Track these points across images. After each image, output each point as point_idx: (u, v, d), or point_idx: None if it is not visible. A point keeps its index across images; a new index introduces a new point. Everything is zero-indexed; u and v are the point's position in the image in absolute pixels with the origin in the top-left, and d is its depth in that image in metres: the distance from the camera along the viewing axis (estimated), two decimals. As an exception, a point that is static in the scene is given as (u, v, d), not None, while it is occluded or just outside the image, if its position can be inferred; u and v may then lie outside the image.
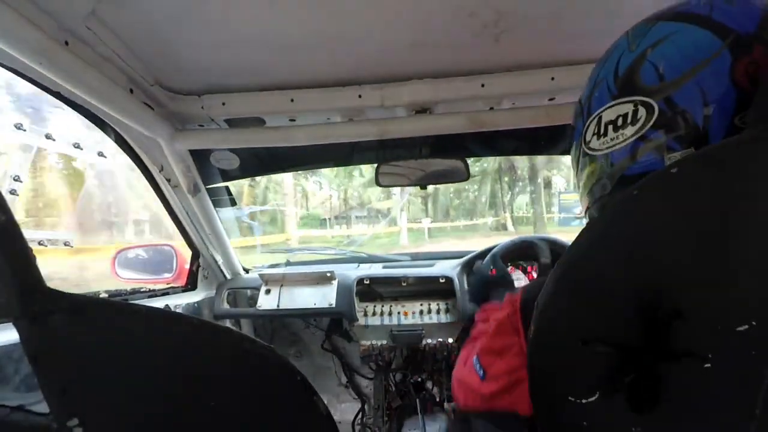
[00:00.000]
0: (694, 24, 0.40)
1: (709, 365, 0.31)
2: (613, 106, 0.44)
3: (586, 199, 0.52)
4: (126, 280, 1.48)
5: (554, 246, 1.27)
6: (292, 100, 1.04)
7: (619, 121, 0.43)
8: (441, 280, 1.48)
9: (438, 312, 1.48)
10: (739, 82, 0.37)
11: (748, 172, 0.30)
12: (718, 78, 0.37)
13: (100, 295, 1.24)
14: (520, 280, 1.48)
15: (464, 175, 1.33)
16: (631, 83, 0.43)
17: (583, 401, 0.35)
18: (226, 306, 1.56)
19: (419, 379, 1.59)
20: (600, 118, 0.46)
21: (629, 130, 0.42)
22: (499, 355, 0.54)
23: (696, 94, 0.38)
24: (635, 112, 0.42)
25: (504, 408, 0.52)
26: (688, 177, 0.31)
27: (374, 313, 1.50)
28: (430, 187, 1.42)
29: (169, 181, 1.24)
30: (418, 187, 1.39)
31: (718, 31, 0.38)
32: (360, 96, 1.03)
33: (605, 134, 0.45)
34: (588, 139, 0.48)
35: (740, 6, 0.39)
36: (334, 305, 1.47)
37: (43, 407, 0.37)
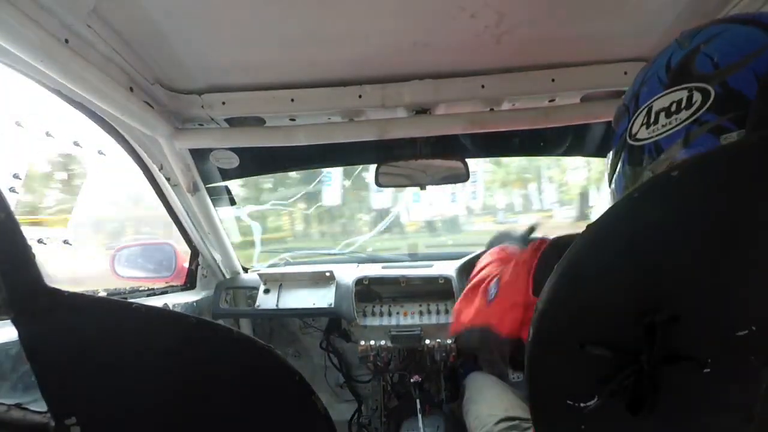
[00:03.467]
0: (742, 24, 0.43)
1: (708, 369, 0.31)
2: (666, 94, 0.45)
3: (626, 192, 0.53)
4: (125, 278, 1.48)
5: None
6: (292, 100, 1.04)
7: (673, 108, 0.44)
8: (440, 281, 1.48)
9: (437, 313, 1.48)
10: None
11: (747, 177, 0.30)
12: None
13: (99, 294, 1.24)
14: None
15: (464, 176, 1.33)
16: (686, 72, 0.44)
17: (582, 405, 0.35)
18: (225, 305, 1.56)
19: (418, 380, 1.59)
20: (650, 108, 0.47)
21: (683, 114, 0.43)
22: (511, 285, 0.64)
23: (751, 79, 0.40)
24: (690, 97, 0.43)
25: (493, 325, 0.65)
26: (689, 181, 0.31)
27: (373, 314, 1.50)
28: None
29: (168, 179, 1.24)
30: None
31: (765, 28, 0.41)
32: (360, 96, 1.03)
33: (656, 122, 0.46)
34: (635, 131, 0.49)
35: None
36: (333, 305, 1.47)
37: (41, 405, 0.37)
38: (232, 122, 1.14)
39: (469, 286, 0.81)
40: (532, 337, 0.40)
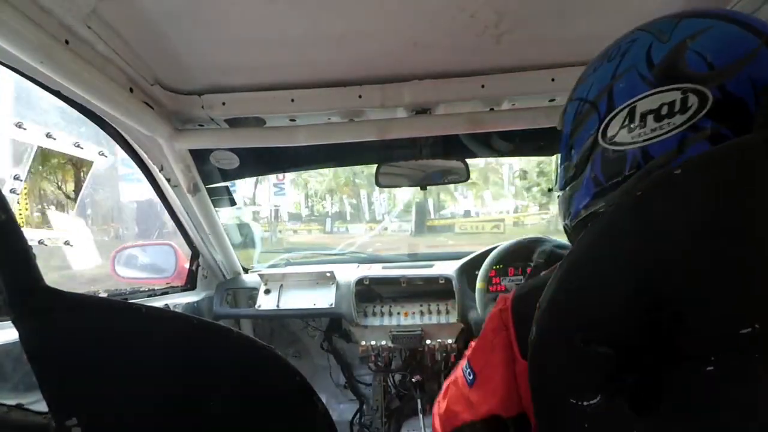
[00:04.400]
0: (726, 21, 0.40)
1: (711, 367, 0.31)
2: (654, 94, 0.41)
3: (594, 200, 0.48)
4: (125, 279, 1.48)
5: (551, 247, 1.28)
6: (292, 100, 1.04)
7: (664, 110, 0.40)
8: (440, 281, 1.48)
9: (437, 313, 1.48)
10: None
11: (752, 175, 0.30)
12: (763, 71, 0.38)
13: (100, 294, 1.24)
14: (519, 280, 1.49)
15: (464, 176, 1.33)
16: (675, 71, 0.40)
17: (585, 403, 0.35)
18: (225, 306, 1.56)
19: (419, 380, 1.59)
20: (633, 109, 0.42)
21: (677, 119, 0.40)
22: (491, 351, 0.53)
23: (748, 85, 0.38)
24: (684, 99, 0.39)
25: (490, 413, 0.51)
26: (693, 179, 0.31)
27: (374, 314, 1.50)
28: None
29: (169, 180, 1.24)
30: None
31: (751, 30, 0.39)
32: (360, 96, 1.03)
33: (642, 125, 0.42)
34: (612, 133, 0.44)
35: (756, 17, 0.41)
36: (333, 305, 1.47)
37: (41, 406, 0.37)
38: (232, 123, 1.14)
39: (441, 392, 0.64)
40: (534, 336, 0.40)
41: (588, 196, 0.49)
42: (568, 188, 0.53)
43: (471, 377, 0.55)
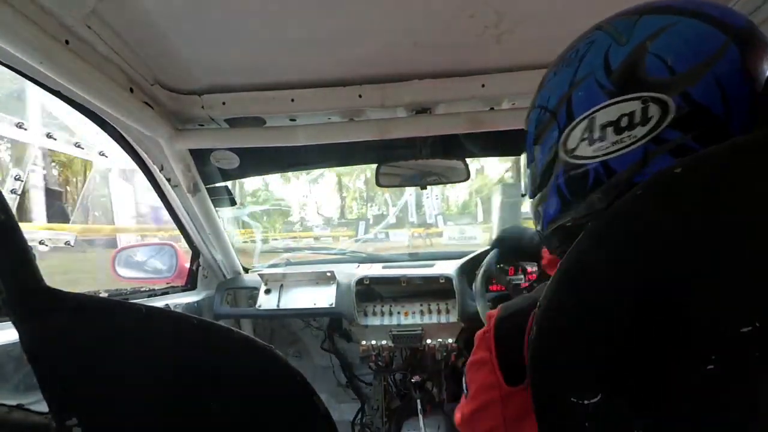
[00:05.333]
0: (689, 17, 0.37)
1: (712, 366, 0.31)
2: (612, 104, 0.38)
3: (561, 215, 0.46)
4: (126, 279, 1.48)
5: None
6: (292, 100, 1.04)
7: (624, 122, 0.38)
8: (441, 281, 1.48)
9: (438, 312, 1.48)
10: (750, 75, 0.35)
11: (752, 174, 0.30)
12: (732, 71, 0.35)
13: (100, 295, 1.24)
14: (520, 280, 1.49)
15: (464, 176, 1.33)
16: (634, 78, 0.37)
17: (585, 402, 0.35)
18: (225, 306, 1.56)
19: (419, 380, 1.59)
20: (592, 120, 0.40)
21: (639, 131, 0.37)
22: (477, 370, 0.50)
23: (714, 89, 0.35)
24: (645, 109, 0.37)
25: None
26: (693, 178, 0.31)
27: (374, 313, 1.50)
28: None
29: (169, 180, 1.24)
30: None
31: (719, 25, 0.36)
32: (360, 96, 1.03)
33: (602, 138, 0.39)
34: (573, 146, 0.42)
35: (724, 5, 0.38)
36: (333, 305, 1.47)
37: (42, 406, 0.37)
38: (233, 122, 1.14)
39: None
40: (535, 335, 0.40)
41: (554, 207, 0.46)
42: (536, 197, 0.51)
43: (465, 391, 0.53)
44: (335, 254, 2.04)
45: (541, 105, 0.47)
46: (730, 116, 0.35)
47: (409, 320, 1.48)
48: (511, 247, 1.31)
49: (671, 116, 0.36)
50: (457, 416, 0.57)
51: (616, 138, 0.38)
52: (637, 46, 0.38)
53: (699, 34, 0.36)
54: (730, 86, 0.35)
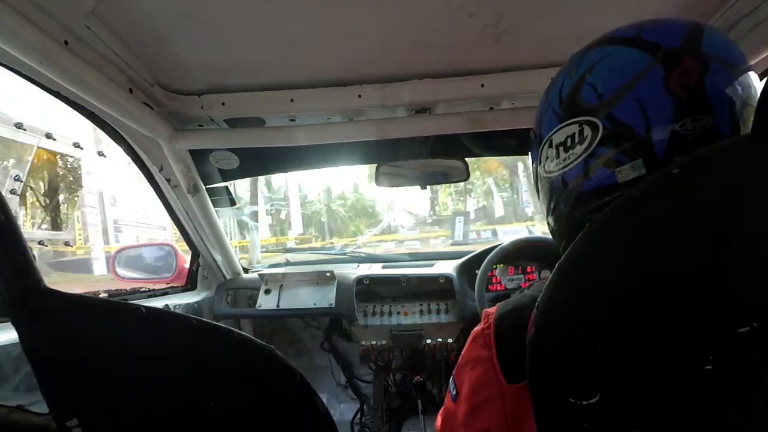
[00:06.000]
0: (624, 45, 0.43)
1: (710, 366, 0.31)
2: (561, 128, 0.46)
3: (550, 216, 0.54)
4: (125, 280, 1.48)
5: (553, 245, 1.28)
6: (292, 100, 1.04)
7: (568, 142, 0.45)
8: (441, 280, 1.48)
9: (438, 312, 1.48)
10: (674, 92, 0.39)
11: (749, 173, 0.30)
12: (653, 90, 0.40)
13: (100, 295, 1.25)
14: (520, 280, 1.49)
15: (464, 175, 1.33)
16: (574, 105, 0.45)
17: (584, 402, 0.35)
18: (225, 306, 1.56)
19: (419, 380, 1.59)
20: (551, 142, 0.48)
21: (578, 149, 0.44)
22: (471, 369, 0.50)
23: (635, 108, 0.40)
24: (581, 131, 0.44)
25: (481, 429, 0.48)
26: (690, 178, 0.31)
27: (374, 313, 1.50)
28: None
29: (168, 181, 1.24)
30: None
31: (647, 48, 0.41)
32: (360, 96, 1.03)
33: (558, 156, 0.47)
34: (543, 163, 0.51)
35: (665, 25, 0.43)
36: (333, 305, 1.47)
37: (42, 407, 0.37)
38: (232, 123, 1.14)
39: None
40: (533, 335, 0.40)
41: (545, 209, 0.54)
42: (543, 207, 0.57)
43: (454, 392, 0.53)
44: (335, 254, 2.04)
45: (532, 129, 0.55)
46: (651, 131, 0.40)
47: (409, 320, 1.48)
48: (508, 249, 1.32)
49: (600, 135, 0.42)
50: (440, 421, 0.56)
51: (565, 155, 0.46)
52: (579, 78, 0.45)
53: (626, 60, 0.42)
54: (651, 104, 0.40)
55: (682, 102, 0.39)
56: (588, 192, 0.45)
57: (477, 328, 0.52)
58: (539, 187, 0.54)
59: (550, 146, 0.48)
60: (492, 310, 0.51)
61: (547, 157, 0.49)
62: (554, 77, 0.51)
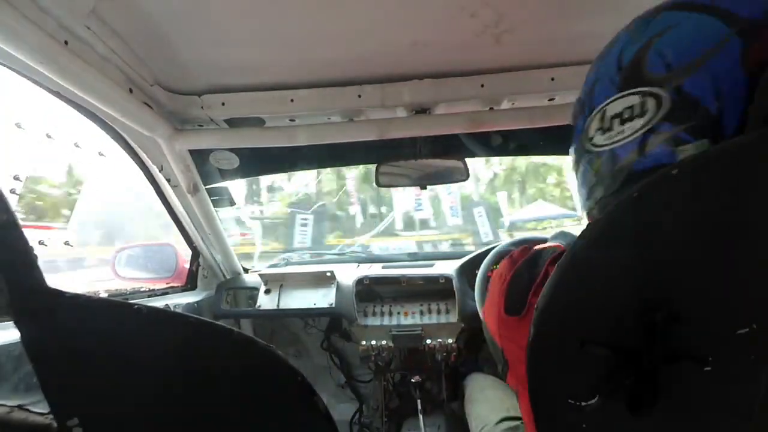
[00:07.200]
0: (699, 12, 0.38)
1: (709, 368, 0.31)
2: (618, 98, 0.42)
3: (588, 200, 0.50)
4: (126, 279, 1.48)
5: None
6: (292, 100, 1.04)
7: (626, 114, 0.41)
8: (441, 281, 1.48)
9: (438, 312, 1.48)
10: (750, 69, 0.35)
11: (749, 174, 0.30)
12: (729, 65, 0.36)
13: (100, 295, 1.24)
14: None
15: (464, 175, 1.33)
16: (637, 74, 0.41)
17: (583, 404, 0.35)
18: (225, 306, 1.56)
19: (419, 380, 1.59)
20: (604, 112, 0.44)
21: (637, 123, 0.40)
22: (491, 299, 0.58)
23: (707, 83, 0.36)
24: (643, 103, 0.40)
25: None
26: (689, 179, 0.31)
27: (374, 314, 1.50)
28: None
29: (168, 180, 1.24)
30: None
31: (725, 17, 0.37)
32: (360, 96, 1.03)
33: (611, 128, 0.43)
34: (591, 135, 0.46)
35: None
36: (333, 305, 1.47)
37: (43, 406, 0.37)
38: (232, 123, 1.14)
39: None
40: (532, 336, 0.40)
41: (584, 193, 0.51)
42: (579, 184, 0.55)
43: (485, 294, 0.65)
44: (335, 254, 2.04)
45: (578, 96, 0.51)
46: (723, 110, 0.36)
47: (409, 320, 1.48)
48: (508, 248, 1.31)
49: (664, 109, 0.38)
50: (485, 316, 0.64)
51: (621, 128, 0.42)
52: (644, 44, 0.41)
53: (701, 29, 0.37)
54: (726, 80, 0.36)
55: (757, 80, 0.34)
56: (641, 172, 0.41)
57: (505, 260, 0.58)
58: (579, 164, 0.50)
59: (602, 118, 0.44)
60: (523, 252, 0.57)
61: (598, 129, 0.45)
62: (611, 41, 0.46)
